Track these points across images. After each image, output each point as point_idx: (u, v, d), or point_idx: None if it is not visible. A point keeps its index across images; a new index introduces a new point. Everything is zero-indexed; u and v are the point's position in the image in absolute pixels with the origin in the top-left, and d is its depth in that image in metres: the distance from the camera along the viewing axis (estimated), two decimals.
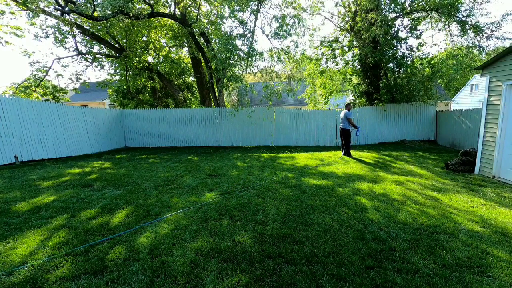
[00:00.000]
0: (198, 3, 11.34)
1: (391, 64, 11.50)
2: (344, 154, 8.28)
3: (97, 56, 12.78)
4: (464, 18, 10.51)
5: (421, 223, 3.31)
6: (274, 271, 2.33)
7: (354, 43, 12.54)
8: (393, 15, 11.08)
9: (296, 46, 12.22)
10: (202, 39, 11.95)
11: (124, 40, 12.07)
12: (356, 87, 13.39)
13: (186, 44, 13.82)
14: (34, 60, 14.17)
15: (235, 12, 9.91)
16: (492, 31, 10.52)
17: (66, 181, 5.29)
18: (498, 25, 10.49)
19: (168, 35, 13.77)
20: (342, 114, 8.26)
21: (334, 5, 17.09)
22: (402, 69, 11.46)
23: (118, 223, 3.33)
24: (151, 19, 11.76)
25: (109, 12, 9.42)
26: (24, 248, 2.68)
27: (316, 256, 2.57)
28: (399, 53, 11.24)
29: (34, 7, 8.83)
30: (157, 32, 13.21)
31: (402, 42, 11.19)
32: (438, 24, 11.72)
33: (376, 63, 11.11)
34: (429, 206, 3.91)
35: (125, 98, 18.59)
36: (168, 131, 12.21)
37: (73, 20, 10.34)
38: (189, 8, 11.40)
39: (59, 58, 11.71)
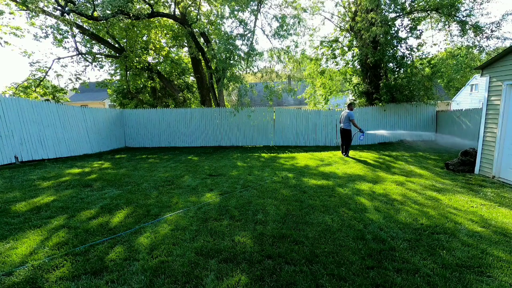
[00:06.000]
0: (198, 3, 11.34)
1: (391, 64, 11.50)
2: (344, 154, 8.28)
3: (97, 56, 12.77)
4: (464, 18, 10.50)
5: (421, 223, 3.31)
6: (274, 271, 2.33)
7: (354, 43, 12.53)
8: (393, 15, 11.07)
9: (296, 46, 12.22)
10: (202, 39, 11.95)
11: (124, 40, 12.06)
12: (356, 87, 13.39)
13: (186, 44, 13.81)
14: (34, 60, 14.10)
15: (235, 12, 9.90)
16: (492, 31, 10.51)
17: (66, 181, 5.29)
18: (498, 25, 10.47)
19: (168, 35, 13.77)
20: (343, 114, 8.09)
21: (334, 5, 17.09)
22: (402, 69, 11.46)
23: (118, 223, 3.33)
24: (151, 19, 11.76)
25: (109, 12, 9.42)
26: (24, 248, 2.67)
27: (316, 256, 2.57)
28: (399, 53, 11.23)
29: (33, 7, 8.82)
30: (157, 32, 13.21)
31: (402, 42, 11.18)
32: (438, 24, 11.72)
33: (376, 63, 11.10)
34: (429, 206, 3.91)
35: (125, 98, 18.56)
36: (168, 131, 12.20)
37: (73, 20, 10.34)
38: (189, 8, 11.40)
39: (59, 58, 11.69)
